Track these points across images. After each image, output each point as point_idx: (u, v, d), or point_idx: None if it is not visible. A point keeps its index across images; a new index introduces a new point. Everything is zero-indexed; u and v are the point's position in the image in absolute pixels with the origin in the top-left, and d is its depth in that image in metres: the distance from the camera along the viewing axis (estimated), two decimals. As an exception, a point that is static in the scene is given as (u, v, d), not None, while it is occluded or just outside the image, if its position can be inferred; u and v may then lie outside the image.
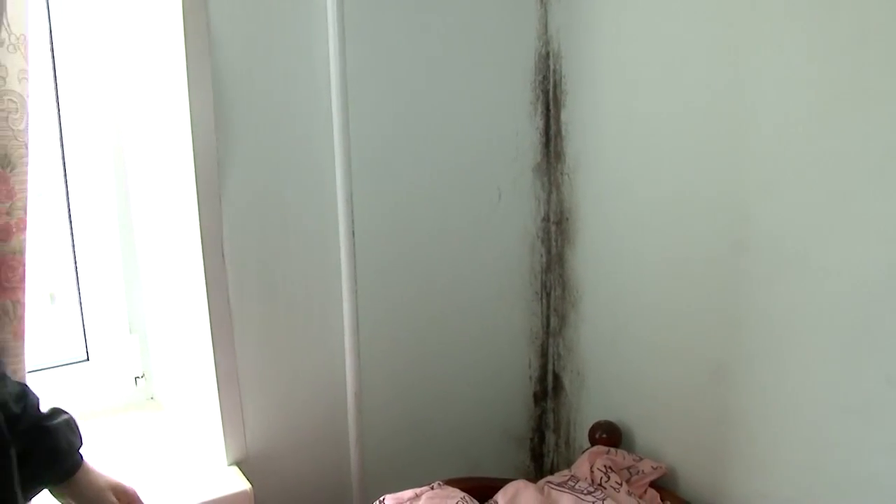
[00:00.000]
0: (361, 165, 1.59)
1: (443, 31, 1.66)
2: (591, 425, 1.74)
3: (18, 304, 1.22)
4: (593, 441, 1.72)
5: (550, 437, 1.99)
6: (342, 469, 1.71)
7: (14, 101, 1.16)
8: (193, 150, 1.43)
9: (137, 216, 1.75)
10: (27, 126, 1.19)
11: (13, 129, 1.17)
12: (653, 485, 1.62)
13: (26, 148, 1.19)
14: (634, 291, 1.69)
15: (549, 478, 1.62)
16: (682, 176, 1.52)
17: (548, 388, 1.97)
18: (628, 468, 1.64)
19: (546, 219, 1.87)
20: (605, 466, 1.61)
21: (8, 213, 1.19)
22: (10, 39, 1.14)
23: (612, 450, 1.67)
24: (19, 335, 1.24)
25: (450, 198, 1.74)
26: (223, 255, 1.50)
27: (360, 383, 1.66)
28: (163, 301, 1.73)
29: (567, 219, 1.83)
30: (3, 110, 1.15)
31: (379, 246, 1.66)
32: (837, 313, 1.26)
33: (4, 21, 1.12)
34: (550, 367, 1.95)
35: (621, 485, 1.57)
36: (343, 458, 1.70)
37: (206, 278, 1.49)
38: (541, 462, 2.01)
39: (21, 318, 1.23)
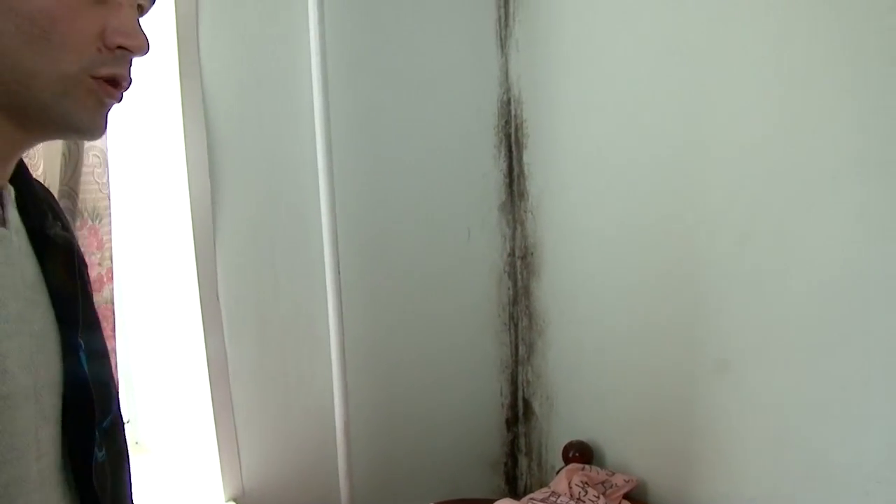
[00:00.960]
0: (345, 209, 1.69)
1: (416, 83, 1.79)
2: (563, 446, 1.85)
3: (112, 353, 1.28)
4: (567, 460, 1.83)
5: (523, 461, 2.10)
6: (333, 498, 1.78)
7: (97, 157, 1.23)
8: (190, 198, 1.52)
9: (123, 265, 1.80)
10: (108, 179, 1.26)
11: (98, 183, 1.24)
12: (626, 496, 1.74)
13: (109, 199, 1.26)
14: (596, 318, 1.82)
15: (532, 495, 1.72)
16: (636, 209, 1.66)
17: (519, 414, 2.08)
18: (603, 482, 1.75)
19: (512, 254, 2.00)
20: (582, 482, 1.72)
21: (99, 265, 1.25)
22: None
23: (587, 466, 1.78)
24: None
25: (424, 237, 1.85)
26: (218, 298, 1.57)
27: (347, 416, 1.74)
28: (149, 346, 1.78)
29: (532, 253, 1.96)
30: (88, 165, 1.21)
31: (362, 284, 1.76)
32: (790, 325, 1.39)
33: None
34: (521, 393, 2.07)
35: (598, 498, 1.68)
36: (333, 488, 1.77)
37: (203, 320, 1.56)
38: (514, 485, 2.11)
39: (113, 368, 1.29)
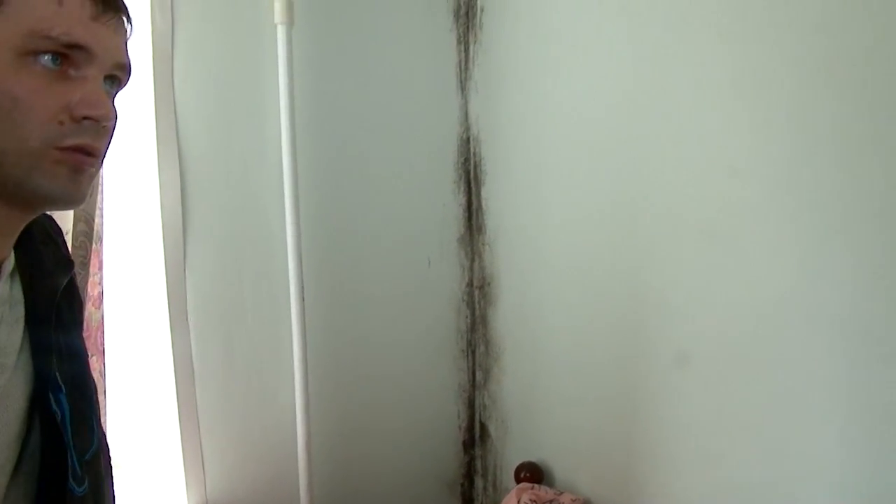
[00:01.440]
0: (310, 236, 1.80)
1: (381, 121, 1.92)
2: (515, 467, 1.95)
3: (100, 377, 1.38)
4: (518, 480, 1.92)
5: (479, 482, 2.19)
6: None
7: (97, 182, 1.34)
8: (162, 223, 1.63)
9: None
10: (104, 202, 1.36)
11: (98, 208, 1.34)
12: (572, 514, 1.83)
13: (102, 218, 1.36)
14: (549, 346, 1.93)
15: (482, 513, 1.82)
16: (586, 244, 1.78)
17: (475, 437, 2.17)
18: (550, 501, 1.85)
19: (470, 284, 2.11)
20: (530, 500, 1.81)
21: (100, 283, 1.35)
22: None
23: (536, 486, 1.87)
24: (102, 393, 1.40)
25: (387, 266, 1.96)
26: (187, 318, 1.67)
27: (309, 434, 1.83)
28: (120, 363, 1.87)
29: (489, 284, 2.07)
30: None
31: (325, 310, 1.86)
32: (717, 350, 1.51)
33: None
34: (477, 417, 2.16)
35: (545, 515, 1.78)
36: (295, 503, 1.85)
37: (171, 338, 1.66)
38: (471, 505, 2.21)
39: (103, 376, 1.39)
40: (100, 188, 1.38)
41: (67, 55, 0.74)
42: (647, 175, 1.62)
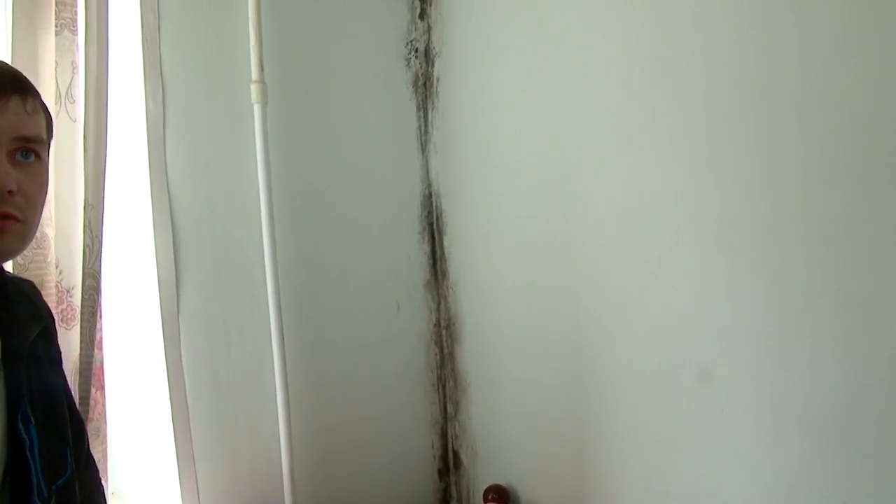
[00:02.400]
0: (288, 285, 2.04)
1: (350, 180, 2.18)
2: (484, 489, 2.15)
3: (102, 420, 1.65)
4: (486, 502, 2.12)
5: (454, 507, 2.39)
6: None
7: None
8: (157, 277, 1.87)
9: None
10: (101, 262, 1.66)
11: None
12: (533, 529, 2.03)
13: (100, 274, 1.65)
14: (510, 377, 2.14)
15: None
16: (535, 283, 2.00)
17: (449, 465, 2.38)
18: (514, 518, 2.05)
19: (438, 324, 2.34)
20: (495, 518, 2.02)
21: (100, 329, 1.61)
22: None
23: (501, 505, 2.08)
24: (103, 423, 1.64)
25: (360, 310, 2.20)
26: (181, 360, 1.91)
27: (292, 465, 2.04)
28: (123, 406, 2.10)
29: (454, 323, 2.30)
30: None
31: (305, 351, 2.09)
32: (647, 371, 1.72)
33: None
34: (450, 446, 2.37)
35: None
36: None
37: (168, 379, 1.89)
38: (448, 529, 2.40)
39: (105, 409, 1.65)
40: (99, 250, 1.62)
41: None
42: (582, 218, 1.84)
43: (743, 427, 1.53)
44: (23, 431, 0.97)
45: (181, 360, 1.91)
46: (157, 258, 1.87)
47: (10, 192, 0.92)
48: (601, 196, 1.80)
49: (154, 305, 1.89)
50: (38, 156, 0.98)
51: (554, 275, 1.94)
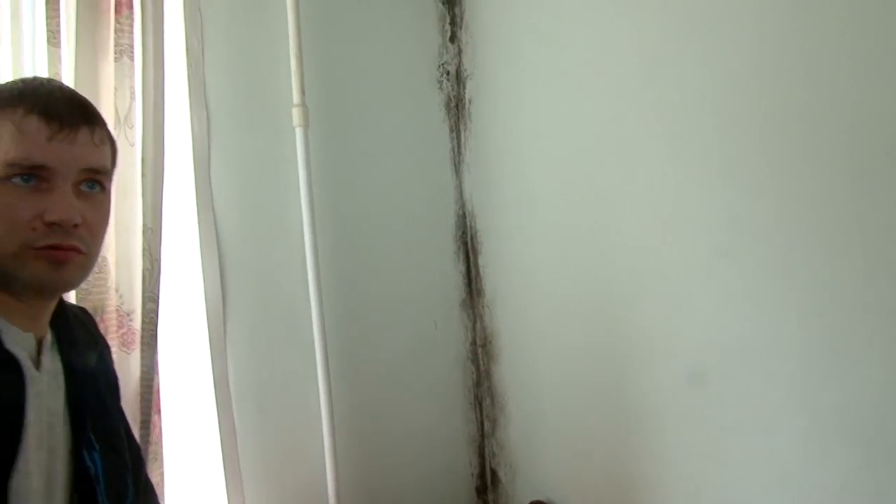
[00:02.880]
0: (331, 305, 2.05)
1: (388, 202, 2.21)
2: (526, 505, 2.16)
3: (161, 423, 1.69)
4: (529, 519, 2.14)
5: (493, 524, 2.39)
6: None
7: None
8: (205, 300, 1.88)
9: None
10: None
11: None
12: (578, 544, 2.04)
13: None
14: (548, 394, 2.15)
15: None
16: (572, 297, 2.02)
17: (487, 482, 2.38)
18: (559, 533, 2.06)
19: (474, 343, 2.35)
20: (541, 534, 2.03)
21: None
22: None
23: (546, 521, 2.09)
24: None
25: (398, 330, 2.21)
26: (228, 383, 1.92)
27: (337, 485, 2.04)
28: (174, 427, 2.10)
29: (490, 342, 2.32)
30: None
31: (347, 372, 2.10)
32: (690, 384, 1.74)
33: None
34: (487, 464, 2.38)
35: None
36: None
37: (216, 401, 1.89)
38: (487, 547, 2.40)
39: (161, 431, 1.69)
40: (158, 274, 1.64)
41: (34, 173, 0.92)
42: (619, 232, 1.87)
43: (788, 438, 1.54)
44: (87, 458, 0.99)
45: (228, 382, 1.92)
46: (204, 281, 1.89)
47: (75, 226, 0.94)
48: (639, 210, 1.82)
49: (201, 327, 1.90)
50: (102, 186, 1.00)
51: (592, 290, 1.96)
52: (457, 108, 2.34)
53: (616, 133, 1.85)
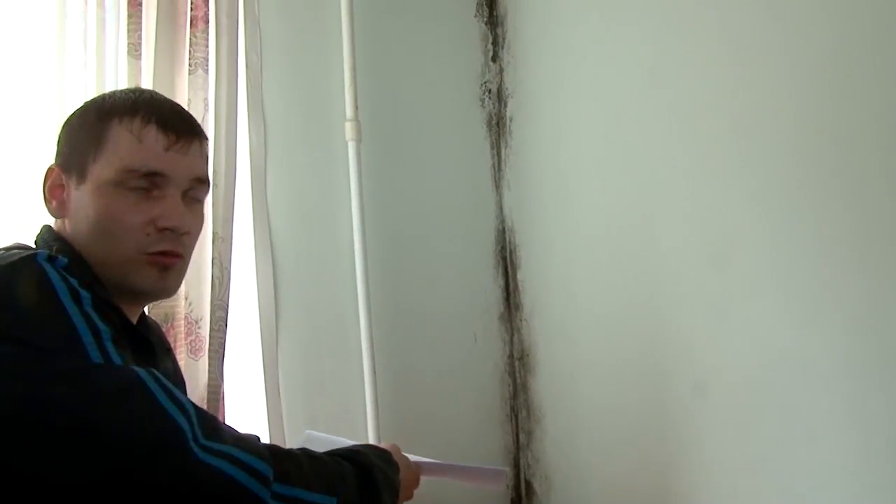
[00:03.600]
0: (378, 322, 2.09)
1: (432, 217, 2.25)
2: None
3: None
4: (565, 531, 2.17)
5: (527, 537, 2.42)
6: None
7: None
8: (259, 310, 1.92)
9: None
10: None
11: None
12: (618, 554, 2.07)
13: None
14: (585, 407, 2.19)
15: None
16: (611, 315, 2.06)
17: (522, 494, 2.41)
18: (597, 544, 2.09)
19: (511, 356, 2.39)
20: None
21: None
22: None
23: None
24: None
25: (440, 342, 2.25)
26: (280, 394, 1.95)
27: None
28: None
29: (528, 355, 2.36)
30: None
31: (391, 381, 2.13)
32: (732, 397, 1.77)
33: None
34: (523, 475, 2.41)
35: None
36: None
37: (267, 410, 1.92)
38: (520, 558, 2.43)
39: None
40: (227, 282, 1.67)
41: (150, 180, 0.98)
42: (663, 247, 1.91)
43: (832, 451, 1.57)
44: None
45: (279, 391, 1.95)
46: (258, 290, 1.92)
47: (183, 234, 1.01)
48: (683, 226, 1.87)
49: (254, 336, 1.93)
50: (202, 197, 1.07)
51: (632, 305, 2.01)
52: (497, 126, 2.40)
53: (659, 152, 1.90)
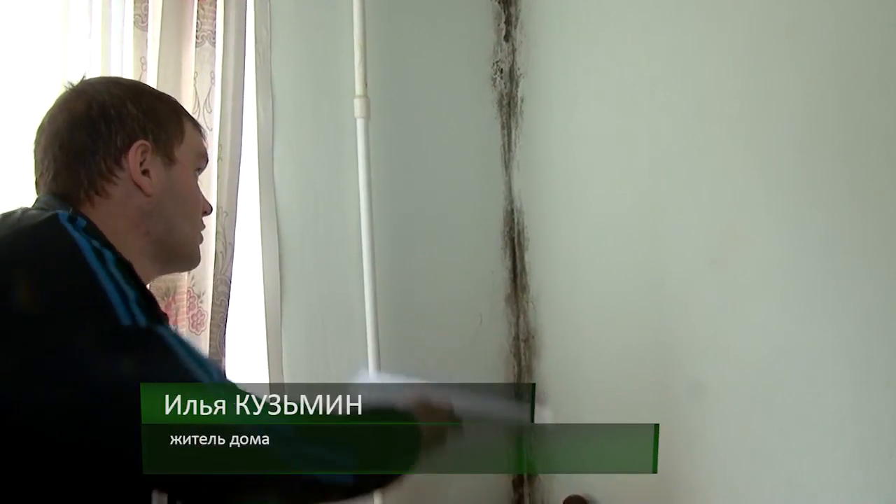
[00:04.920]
0: (383, 301, 2.08)
1: (439, 199, 2.24)
2: (563, 500, 2.19)
3: None
4: (567, 512, 2.17)
5: (528, 518, 2.42)
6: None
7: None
8: (263, 292, 1.91)
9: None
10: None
11: None
12: (619, 538, 2.07)
13: None
14: (589, 391, 2.17)
15: (539, 538, 2.05)
16: (619, 298, 2.04)
17: (524, 476, 2.41)
18: (598, 528, 2.09)
19: (517, 337, 2.38)
20: (581, 527, 2.06)
21: None
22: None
23: (585, 515, 2.12)
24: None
25: (447, 323, 2.24)
26: (283, 370, 1.95)
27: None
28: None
29: (533, 337, 2.34)
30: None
31: (395, 359, 2.12)
32: (738, 387, 1.76)
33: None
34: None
35: (596, 539, 2.01)
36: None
37: (269, 384, 1.92)
38: (521, 538, 2.43)
39: None
40: (231, 257, 1.66)
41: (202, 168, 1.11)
42: (673, 235, 1.90)
43: (838, 441, 1.57)
44: None
45: (282, 368, 1.95)
46: (263, 265, 1.91)
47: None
48: (693, 213, 1.85)
49: (258, 312, 1.93)
50: None
51: (641, 289, 1.99)
52: (508, 106, 2.37)
53: (670, 137, 1.88)
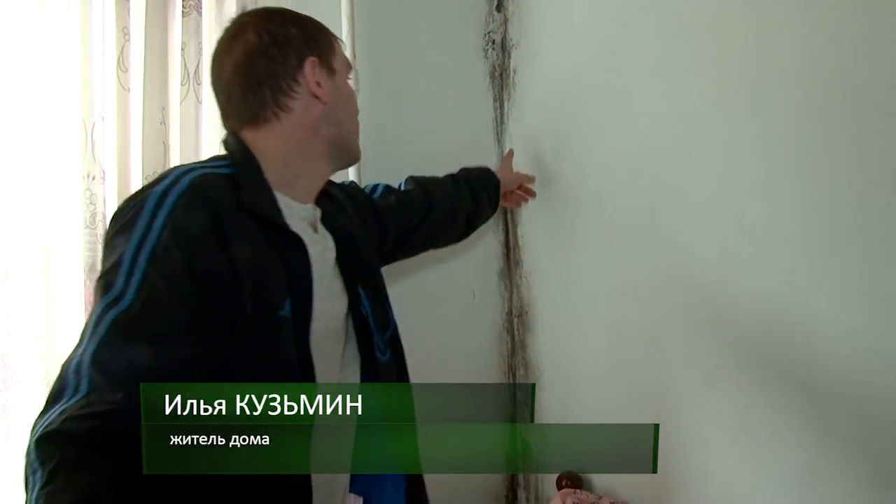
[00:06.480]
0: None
1: (430, 168, 2.14)
2: (556, 477, 2.18)
3: None
4: (560, 487, 2.15)
5: (522, 494, 2.41)
6: None
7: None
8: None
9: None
10: None
11: None
12: (614, 514, 2.06)
13: None
14: (581, 365, 2.16)
15: (533, 515, 2.04)
16: (615, 271, 2.02)
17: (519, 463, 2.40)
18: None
19: (510, 313, 2.36)
20: (573, 503, 2.04)
21: None
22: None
23: (578, 490, 2.10)
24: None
25: (437, 297, 2.22)
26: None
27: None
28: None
29: (527, 312, 2.32)
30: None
31: (388, 337, 2.10)
32: (738, 365, 1.75)
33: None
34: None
35: (589, 515, 2.01)
36: None
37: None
38: (515, 515, 2.43)
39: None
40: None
41: None
42: (669, 206, 1.85)
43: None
44: (363, 308, 1.32)
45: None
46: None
47: None
48: (690, 185, 1.80)
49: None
50: None
51: (637, 266, 1.97)
52: (500, 78, 2.33)
53: (665, 108, 1.84)
